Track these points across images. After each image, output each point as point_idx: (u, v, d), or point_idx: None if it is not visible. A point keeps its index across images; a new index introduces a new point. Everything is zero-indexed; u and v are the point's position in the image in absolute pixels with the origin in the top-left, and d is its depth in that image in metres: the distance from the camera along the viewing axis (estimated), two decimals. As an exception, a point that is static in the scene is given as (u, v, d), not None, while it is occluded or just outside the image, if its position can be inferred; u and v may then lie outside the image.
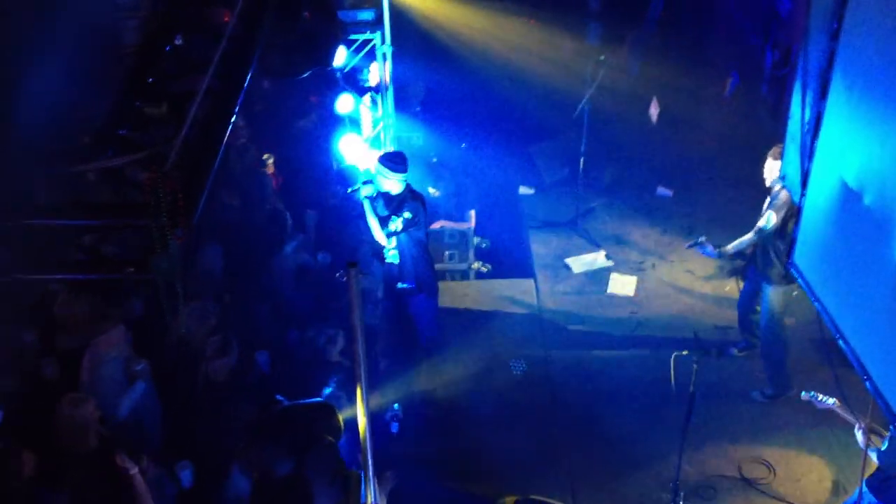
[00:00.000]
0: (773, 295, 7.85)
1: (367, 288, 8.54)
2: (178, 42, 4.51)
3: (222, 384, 6.76)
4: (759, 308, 8.23)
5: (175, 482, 6.06)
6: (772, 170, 7.65)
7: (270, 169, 10.06)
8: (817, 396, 6.45)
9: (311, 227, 9.67)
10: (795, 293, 7.68)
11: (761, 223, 7.61)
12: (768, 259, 7.73)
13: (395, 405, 7.70)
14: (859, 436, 6.05)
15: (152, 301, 7.03)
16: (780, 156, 7.41)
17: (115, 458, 5.64)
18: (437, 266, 9.91)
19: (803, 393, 6.57)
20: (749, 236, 7.78)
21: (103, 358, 6.41)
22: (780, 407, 8.12)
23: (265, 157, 10.06)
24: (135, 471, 5.66)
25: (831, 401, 6.38)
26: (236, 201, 9.10)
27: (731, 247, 7.94)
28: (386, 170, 7.84)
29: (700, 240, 8.04)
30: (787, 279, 7.44)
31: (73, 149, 3.96)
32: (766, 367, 8.24)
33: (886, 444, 5.91)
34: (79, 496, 5.62)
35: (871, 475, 6.12)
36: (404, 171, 7.90)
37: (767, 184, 7.73)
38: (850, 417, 6.16)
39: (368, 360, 7.70)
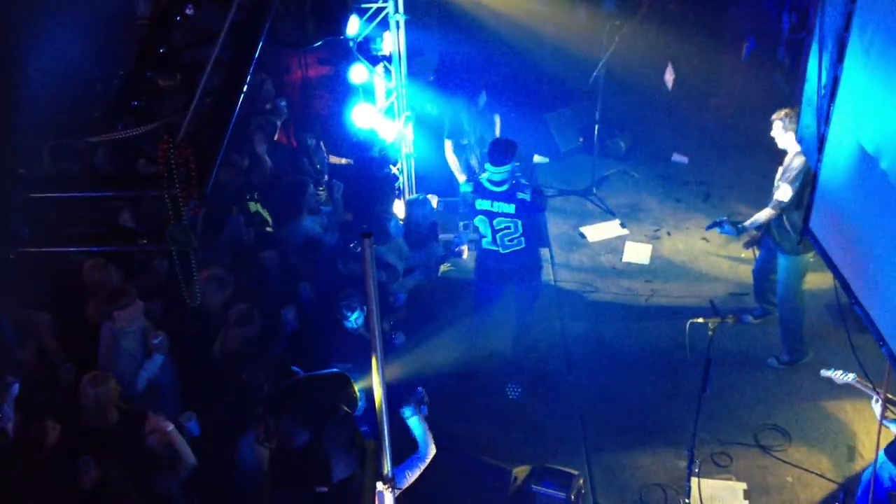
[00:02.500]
0: (789, 264, 7.81)
1: (389, 262, 8.53)
2: (190, 12, 4.48)
3: (237, 353, 6.80)
4: (773, 276, 8.20)
5: (184, 434, 6.14)
6: (778, 132, 7.58)
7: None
8: (836, 373, 6.43)
9: (338, 197, 9.66)
10: (812, 260, 7.65)
11: (778, 196, 7.55)
12: (783, 228, 7.68)
13: (419, 389, 7.70)
14: (876, 408, 6.04)
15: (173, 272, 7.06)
16: (788, 118, 7.35)
17: (149, 420, 5.80)
18: (452, 236, 9.95)
19: (822, 371, 6.56)
20: (768, 211, 7.71)
21: (121, 331, 6.46)
22: (796, 374, 8.12)
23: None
24: (171, 427, 5.86)
25: (850, 376, 6.36)
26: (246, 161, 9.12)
27: (749, 222, 7.90)
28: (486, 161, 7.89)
29: (719, 220, 8.03)
30: (803, 248, 7.39)
31: (86, 120, 3.96)
32: (782, 335, 8.22)
33: None
34: (103, 466, 5.71)
35: (891, 443, 6.11)
36: (502, 162, 7.74)
37: (779, 146, 7.67)
38: (868, 391, 6.14)
39: (386, 335, 7.75)
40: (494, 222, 7.90)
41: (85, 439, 5.84)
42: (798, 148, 7.19)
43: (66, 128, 3.96)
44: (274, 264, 7.99)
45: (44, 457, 5.57)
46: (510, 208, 7.79)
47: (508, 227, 7.89)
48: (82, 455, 5.62)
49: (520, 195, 7.76)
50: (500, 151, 7.76)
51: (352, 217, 9.39)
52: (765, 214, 7.78)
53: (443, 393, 7.93)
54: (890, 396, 5.93)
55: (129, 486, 5.72)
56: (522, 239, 7.94)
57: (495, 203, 7.82)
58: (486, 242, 8.09)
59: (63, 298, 6.89)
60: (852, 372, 6.34)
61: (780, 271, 7.98)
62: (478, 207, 7.93)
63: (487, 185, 7.84)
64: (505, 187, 7.76)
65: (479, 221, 8.00)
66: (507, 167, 7.73)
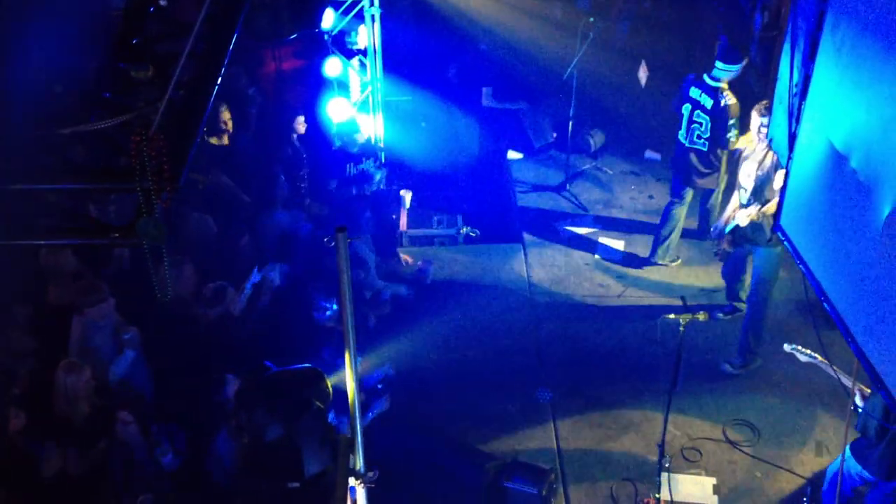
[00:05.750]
0: (766, 255, 7.83)
1: (362, 256, 8.51)
2: (164, 3, 4.44)
3: (215, 340, 6.78)
4: (744, 277, 8.29)
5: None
6: (755, 124, 7.60)
7: None
8: (799, 349, 6.46)
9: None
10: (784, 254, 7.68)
11: (768, 210, 7.49)
12: (757, 223, 7.70)
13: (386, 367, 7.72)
14: (854, 393, 6.03)
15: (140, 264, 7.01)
16: (766, 111, 7.32)
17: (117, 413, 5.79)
18: (426, 231, 9.98)
19: (786, 345, 6.57)
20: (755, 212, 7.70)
21: (92, 327, 6.41)
22: (765, 370, 8.18)
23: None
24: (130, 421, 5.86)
25: (814, 354, 6.38)
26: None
27: (729, 226, 7.96)
28: None
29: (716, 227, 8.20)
30: (777, 241, 7.41)
31: (58, 112, 3.92)
32: (742, 333, 8.18)
33: (863, 404, 5.96)
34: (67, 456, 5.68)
35: (856, 440, 6.17)
36: (731, 61, 8.35)
37: (753, 133, 7.68)
38: (830, 370, 6.16)
39: (358, 319, 7.75)
40: (694, 114, 8.60)
41: (52, 428, 5.80)
42: None
43: (36, 120, 3.91)
44: (248, 250, 7.97)
45: (7, 443, 5.53)
46: (709, 103, 8.45)
47: (700, 124, 8.56)
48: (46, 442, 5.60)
49: (719, 95, 8.38)
50: (732, 51, 8.40)
51: (326, 211, 9.35)
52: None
53: (417, 390, 7.95)
54: (861, 387, 5.97)
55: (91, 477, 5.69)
56: (707, 143, 8.55)
57: (703, 95, 8.50)
58: (680, 134, 8.85)
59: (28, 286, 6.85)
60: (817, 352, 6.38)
61: (756, 263, 7.99)
62: (690, 95, 8.66)
63: (705, 77, 8.51)
64: (716, 84, 8.39)
65: (685, 109, 8.71)
66: (735, 67, 8.37)
